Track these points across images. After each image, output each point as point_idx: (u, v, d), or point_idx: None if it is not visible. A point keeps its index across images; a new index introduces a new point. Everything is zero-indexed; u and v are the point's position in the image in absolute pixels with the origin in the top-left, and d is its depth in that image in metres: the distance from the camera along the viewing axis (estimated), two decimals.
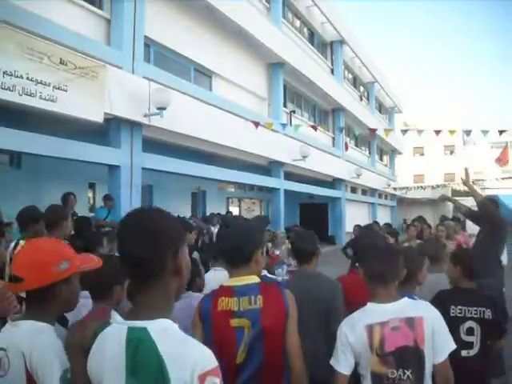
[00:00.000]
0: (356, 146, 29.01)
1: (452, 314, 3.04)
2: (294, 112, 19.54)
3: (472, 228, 8.94)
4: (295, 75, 18.78)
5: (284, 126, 15.53)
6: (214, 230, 10.92)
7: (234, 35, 14.63)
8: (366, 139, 30.48)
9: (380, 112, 34.48)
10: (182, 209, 15.04)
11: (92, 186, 12.58)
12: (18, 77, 7.19)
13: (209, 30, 13.64)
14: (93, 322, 1.50)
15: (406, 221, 26.73)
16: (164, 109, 9.84)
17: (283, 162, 17.18)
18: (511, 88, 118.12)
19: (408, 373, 2.14)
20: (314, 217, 23.55)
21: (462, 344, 2.91)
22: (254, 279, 2.21)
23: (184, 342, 1.32)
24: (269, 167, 17.34)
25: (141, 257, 1.34)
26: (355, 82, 29.21)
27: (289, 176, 18.42)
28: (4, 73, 6.97)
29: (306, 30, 22.01)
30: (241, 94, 15.65)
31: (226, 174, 14.40)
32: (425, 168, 45.38)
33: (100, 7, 10.07)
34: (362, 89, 30.48)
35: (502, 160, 22.46)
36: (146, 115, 9.98)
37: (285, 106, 18.75)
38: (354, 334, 2.21)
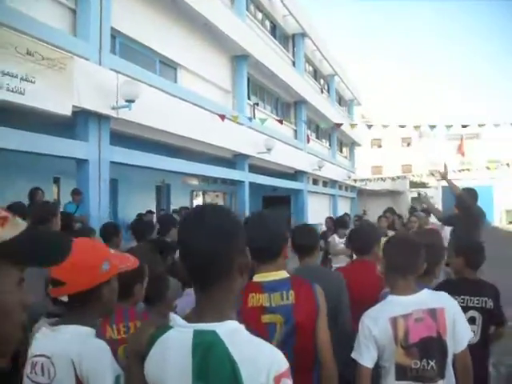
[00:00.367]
0: (317, 138, 29.26)
1: None
2: (257, 105, 19.54)
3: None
4: (258, 68, 18.77)
5: (250, 119, 15.52)
6: None
7: (198, 27, 14.49)
8: (327, 132, 30.79)
9: (340, 104, 34.87)
10: (147, 202, 14.90)
11: (56, 180, 12.27)
12: None
13: (174, 21, 13.46)
14: (148, 326, 1.45)
15: (366, 212, 27.18)
16: (133, 101, 9.67)
17: (248, 155, 17.17)
18: (470, 81, 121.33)
19: (432, 363, 2.19)
20: (277, 209, 23.65)
21: None
22: (284, 274, 2.20)
23: (255, 343, 1.30)
24: (233, 160, 17.31)
25: (210, 257, 1.29)
26: (316, 74, 29.41)
27: (252, 169, 18.44)
28: None
29: (268, 22, 22.00)
30: (205, 87, 15.54)
31: (192, 167, 14.29)
32: (382, 160, 46.21)
33: None
34: (322, 81, 30.72)
35: (460, 151, 23.21)
36: (114, 108, 9.78)
37: (248, 98, 18.73)
38: (377, 326, 2.24)
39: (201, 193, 21.24)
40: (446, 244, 4.77)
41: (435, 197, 39.06)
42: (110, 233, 4.98)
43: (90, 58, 9.55)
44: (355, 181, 35.01)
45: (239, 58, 17.36)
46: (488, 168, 25.10)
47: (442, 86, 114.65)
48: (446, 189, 40.93)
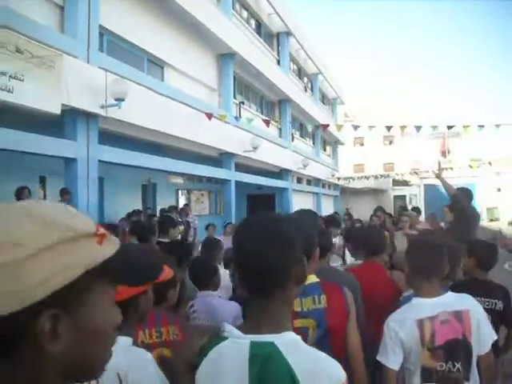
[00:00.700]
0: (301, 136, 29.33)
1: None
2: (243, 103, 19.51)
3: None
4: (244, 66, 18.73)
5: (236, 118, 15.49)
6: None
7: (186, 25, 14.40)
8: (311, 130, 30.87)
9: (323, 103, 34.97)
10: (133, 201, 14.79)
11: (42, 179, 12.09)
12: None
13: (161, 19, 13.36)
14: (200, 336, 1.41)
15: (349, 210, 27.30)
16: (122, 100, 9.58)
17: (234, 154, 17.14)
18: (455, 81, 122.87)
19: (458, 365, 2.19)
20: (262, 208, 23.62)
21: None
22: (314, 278, 2.19)
23: (314, 354, 1.27)
24: (220, 158, 17.25)
25: (270, 265, 1.25)
26: (300, 73, 29.45)
27: (238, 167, 18.40)
28: None
29: (253, 21, 21.95)
30: (192, 85, 15.46)
31: (180, 166, 14.24)
32: (364, 158, 46.42)
33: None
34: (306, 80, 30.77)
35: (443, 150, 23.47)
36: (102, 106, 9.68)
37: (234, 97, 18.69)
38: (404, 329, 2.24)
39: (186, 191, 21.14)
40: None
41: (417, 195, 39.50)
42: None
43: (78, 56, 9.42)
44: (338, 179, 35.16)
45: (225, 57, 17.30)
46: (470, 166, 25.41)
47: (426, 85, 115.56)
48: (428, 187, 41.29)
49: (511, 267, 12.98)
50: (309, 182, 29.97)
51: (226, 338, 1.31)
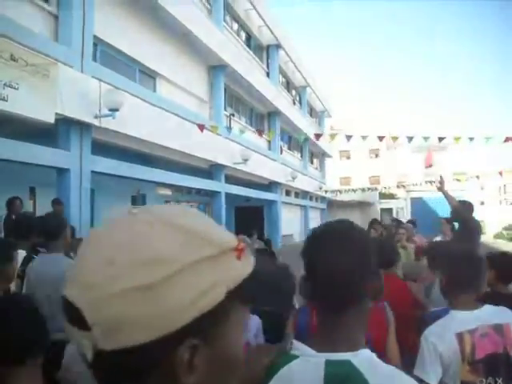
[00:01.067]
0: (289, 149, 29.37)
1: None
2: (233, 115, 19.48)
3: None
4: (235, 78, 18.76)
5: (228, 129, 15.45)
6: None
7: (178, 37, 14.39)
8: (299, 143, 30.94)
9: (311, 116, 35.13)
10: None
11: (32, 190, 11.88)
12: None
13: (154, 30, 13.32)
14: (265, 354, 1.30)
15: None
16: (116, 110, 9.48)
17: (224, 165, 17.07)
18: (443, 94, 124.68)
19: (499, 381, 2.12)
20: (250, 220, 23.49)
21: None
22: None
23: (393, 373, 1.17)
24: (210, 170, 17.17)
25: (348, 278, 1.17)
26: (288, 85, 29.58)
27: (227, 179, 18.32)
28: None
29: (243, 33, 22.03)
30: (183, 97, 15.42)
31: (171, 178, 14.15)
32: (351, 171, 46.71)
33: (46, 1, 9.52)
34: (294, 93, 30.90)
35: (428, 162, 23.66)
36: (96, 116, 9.57)
37: (224, 109, 18.66)
38: (443, 343, 2.16)
39: (174, 203, 21.01)
40: None
41: (404, 208, 39.72)
42: None
43: (73, 65, 9.32)
44: (326, 192, 35.24)
45: (217, 69, 17.31)
46: (458, 180, 25.58)
47: (413, 99, 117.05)
48: (415, 200, 41.51)
49: None
50: (297, 195, 30.00)
51: (296, 357, 1.21)
